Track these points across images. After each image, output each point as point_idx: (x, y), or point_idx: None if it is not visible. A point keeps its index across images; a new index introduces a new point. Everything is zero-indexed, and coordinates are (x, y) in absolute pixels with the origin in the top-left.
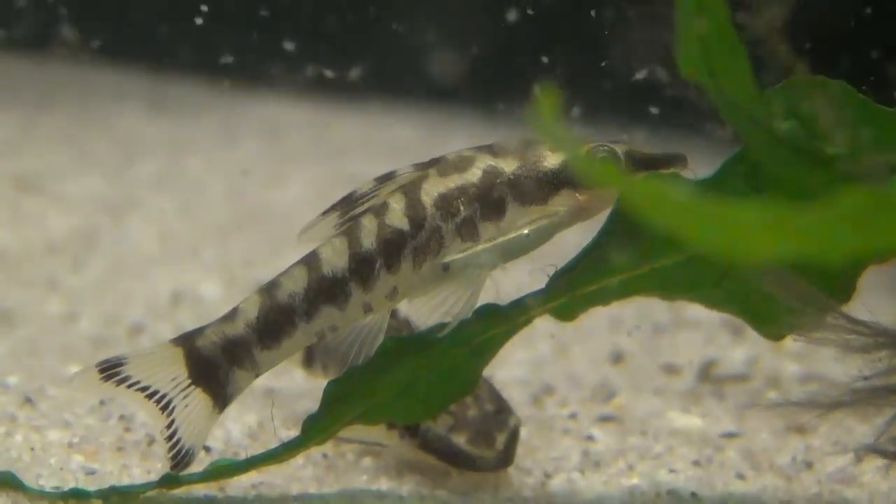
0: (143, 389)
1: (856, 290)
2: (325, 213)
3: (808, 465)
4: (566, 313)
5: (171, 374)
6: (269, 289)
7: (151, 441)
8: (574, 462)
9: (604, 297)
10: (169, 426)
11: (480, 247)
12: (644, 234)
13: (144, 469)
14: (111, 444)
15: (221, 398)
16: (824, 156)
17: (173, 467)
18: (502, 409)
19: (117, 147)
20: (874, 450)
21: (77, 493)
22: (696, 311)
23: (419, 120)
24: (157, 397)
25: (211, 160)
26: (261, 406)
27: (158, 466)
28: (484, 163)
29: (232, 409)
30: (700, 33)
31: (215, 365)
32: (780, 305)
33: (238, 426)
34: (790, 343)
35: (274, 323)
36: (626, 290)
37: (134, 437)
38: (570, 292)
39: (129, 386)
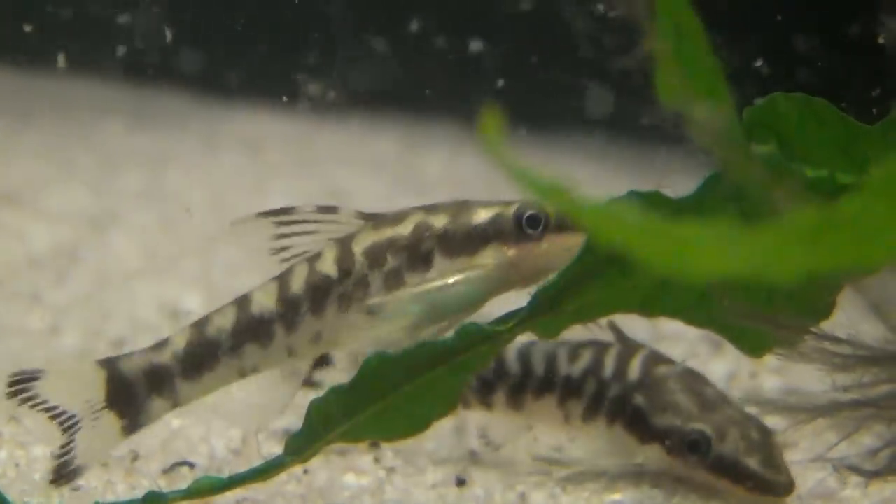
0: (49, 409)
1: (835, 306)
2: (262, 214)
3: None
4: (549, 330)
5: (87, 394)
6: (199, 323)
7: (136, 457)
8: (555, 478)
9: (586, 314)
10: (67, 443)
11: (405, 292)
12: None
13: (129, 485)
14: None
15: (132, 424)
16: (805, 178)
17: (53, 481)
18: (766, 430)
19: (100, 160)
20: (852, 468)
21: None
22: (675, 325)
23: (400, 134)
24: (62, 417)
25: (193, 173)
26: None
27: (143, 483)
28: (417, 218)
29: (216, 425)
30: (680, 59)
31: (135, 390)
32: (759, 324)
33: (222, 442)
34: (770, 358)
35: (199, 356)
36: (607, 307)
37: (117, 453)
38: (552, 309)
39: (35, 405)
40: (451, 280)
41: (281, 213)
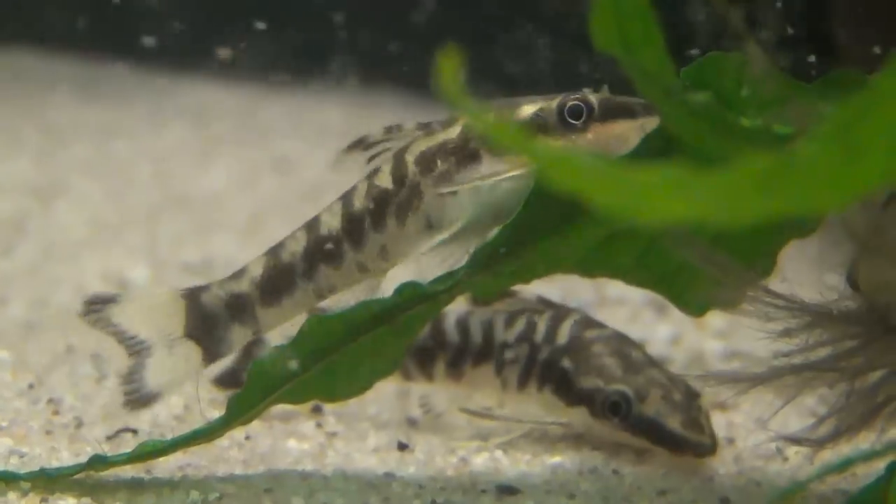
0: (120, 334)
1: (776, 264)
2: (347, 149)
3: (731, 442)
4: (487, 291)
5: (163, 323)
6: (273, 249)
7: (79, 424)
8: (496, 441)
9: (525, 275)
10: (135, 368)
11: (460, 188)
12: (562, 211)
13: (73, 452)
14: (40, 428)
15: (213, 353)
16: (740, 127)
17: (126, 404)
18: (691, 392)
19: (46, 132)
20: (794, 440)
21: (6, 476)
22: (620, 289)
23: (347, 102)
24: (132, 342)
25: (139, 144)
26: (187, 388)
27: (87, 449)
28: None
29: None
30: (615, 5)
31: (216, 321)
32: (701, 281)
33: (165, 408)
34: (714, 321)
35: (276, 281)
36: (546, 268)
37: (62, 420)
38: (490, 269)
39: (108, 329)
40: (501, 174)
41: (356, 145)
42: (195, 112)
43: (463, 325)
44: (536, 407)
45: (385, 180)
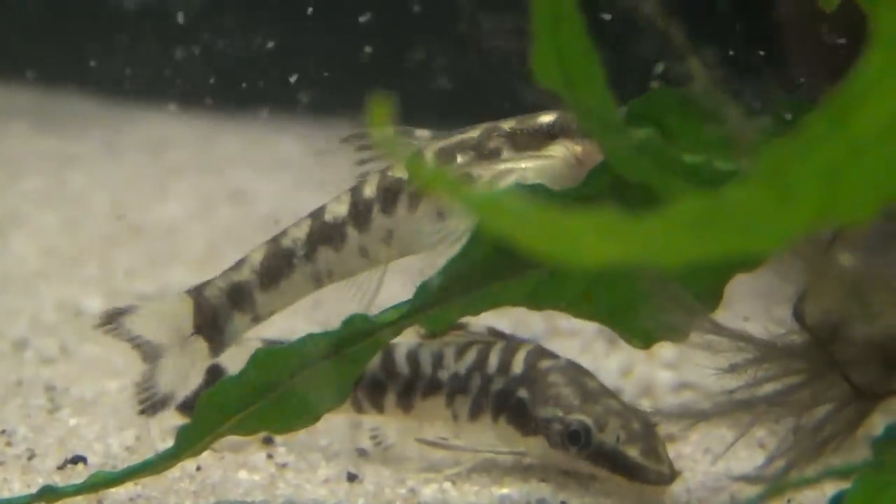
0: (134, 340)
1: (722, 297)
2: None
3: (679, 473)
4: (436, 324)
5: (175, 324)
6: (275, 237)
7: (32, 455)
8: (445, 473)
9: (473, 307)
10: (150, 373)
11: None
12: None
13: (24, 483)
14: None
15: (218, 345)
16: (681, 163)
17: (141, 411)
18: (648, 421)
19: (1, 163)
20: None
21: None
22: (571, 320)
23: (303, 134)
24: (146, 348)
25: (95, 175)
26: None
27: (39, 480)
28: (485, 124)
29: (111, 423)
30: (556, 42)
31: (218, 312)
32: (648, 313)
33: (117, 440)
34: (664, 352)
35: (275, 266)
36: (494, 300)
37: (14, 452)
38: (438, 302)
39: (124, 338)
40: (521, 165)
41: (356, 138)
42: (151, 143)
43: (413, 357)
44: (491, 437)
45: (401, 171)
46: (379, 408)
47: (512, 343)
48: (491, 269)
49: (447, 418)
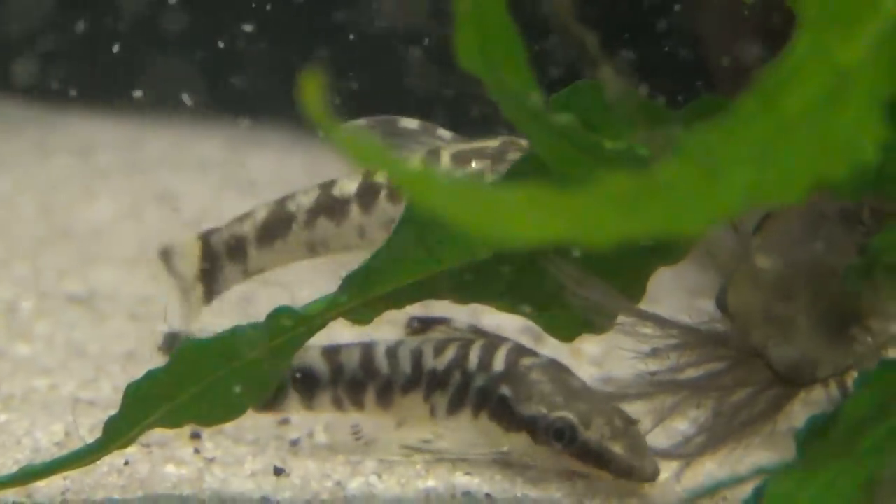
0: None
1: (645, 291)
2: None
3: None
4: (361, 317)
5: (186, 266)
6: (283, 198)
7: None
8: (371, 466)
9: (398, 301)
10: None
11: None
12: (434, 235)
13: None
14: None
15: (211, 291)
16: (603, 149)
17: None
18: (629, 418)
19: None
20: (664, 455)
21: None
22: (497, 316)
23: (226, 136)
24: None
25: (23, 177)
26: (69, 416)
27: None
28: (504, 136)
29: (40, 419)
30: (479, 25)
31: (218, 261)
32: (572, 307)
33: (46, 436)
34: (589, 348)
35: (274, 225)
36: (419, 294)
37: None
38: (363, 295)
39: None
40: None
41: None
42: (80, 145)
43: (392, 354)
44: (472, 434)
45: (416, 163)
46: (359, 405)
47: (492, 340)
48: (415, 262)
49: (426, 414)
